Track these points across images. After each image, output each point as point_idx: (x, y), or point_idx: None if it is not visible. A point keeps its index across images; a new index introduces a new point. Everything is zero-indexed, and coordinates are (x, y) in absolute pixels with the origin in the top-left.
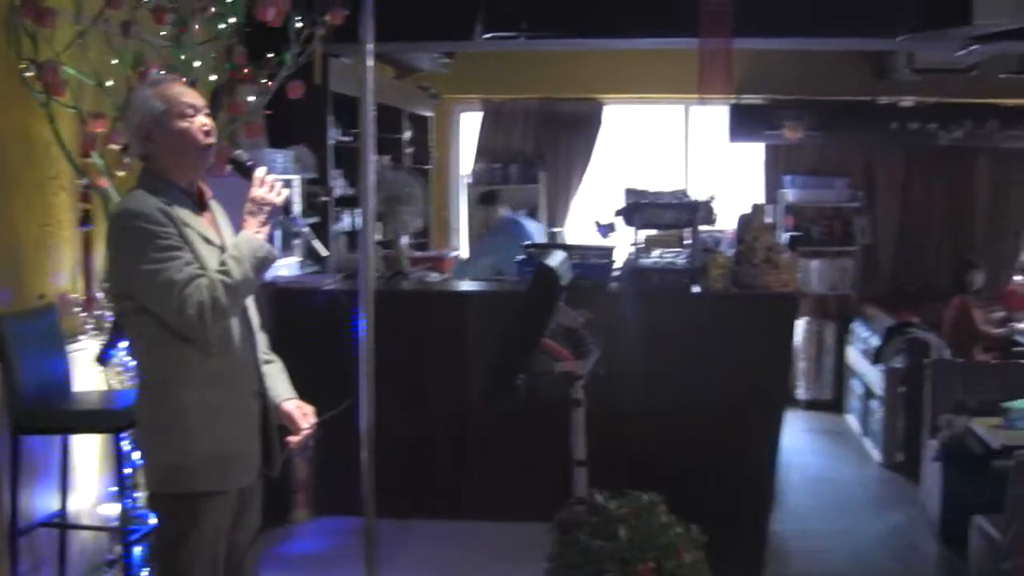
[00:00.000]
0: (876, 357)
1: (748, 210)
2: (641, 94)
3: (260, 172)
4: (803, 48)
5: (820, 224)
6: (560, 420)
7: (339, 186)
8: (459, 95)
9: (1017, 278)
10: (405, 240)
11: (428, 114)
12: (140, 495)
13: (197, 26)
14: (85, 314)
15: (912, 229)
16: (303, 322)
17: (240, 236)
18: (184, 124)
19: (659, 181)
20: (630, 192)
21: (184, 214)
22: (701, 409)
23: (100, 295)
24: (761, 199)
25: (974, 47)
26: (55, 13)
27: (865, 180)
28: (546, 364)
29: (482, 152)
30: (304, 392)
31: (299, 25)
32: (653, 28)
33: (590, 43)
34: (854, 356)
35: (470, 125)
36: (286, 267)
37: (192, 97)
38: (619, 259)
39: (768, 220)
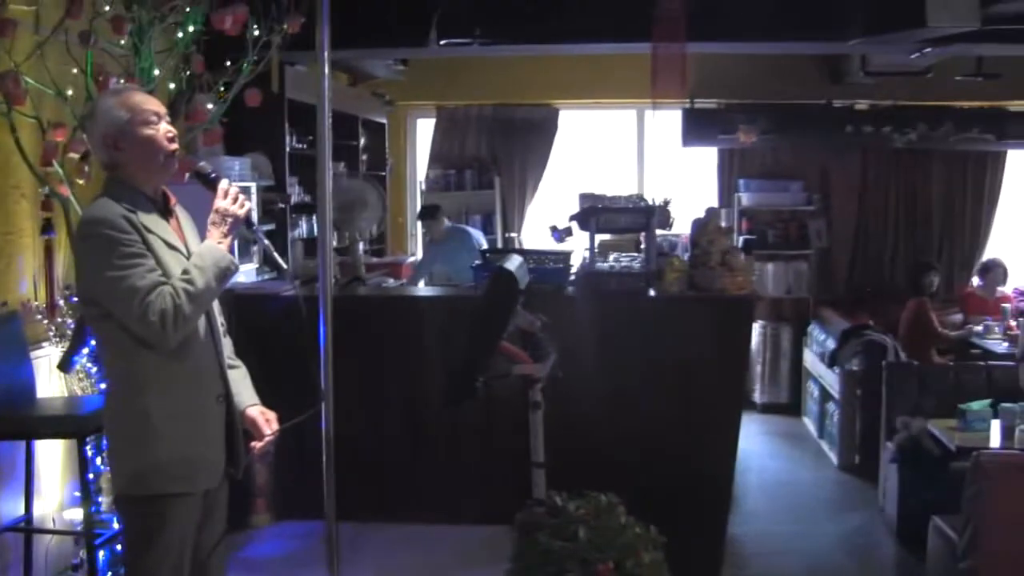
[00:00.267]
0: (832, 360)
1: (703, 214)
2: (595, 99)
3: (224, 184)
4: (757, 52)
5: (775, 228)
6: (519, 423)
7: (295, 193)
8: (414, 101)
9: (974, 281)
10: (362, 246)
11: (383, 121)
12: (105, 500)
13: (155, 35)
14: (47, 321)
15: (868, 232)
16: (261, 328)
17: (204, 246)
18: (149, 131)
19: (614, 186)
20: (585, 197)
21: (149, 220)
22: (658, 411)
23: (62, 302)
24: (715, 203)
25: (928, 49)
26: (15, 23)
27: (820, 183)
28: (504, 367)
29: (436, 158)
30: (264, 397)
31: (256, 34)
32: (607, 34)
33: (544, 49)
34: (811, 359)
35: (425, 131)
36: (244, 274)
37: (155, 105)
38: (575, 263)
39: (723, 224)
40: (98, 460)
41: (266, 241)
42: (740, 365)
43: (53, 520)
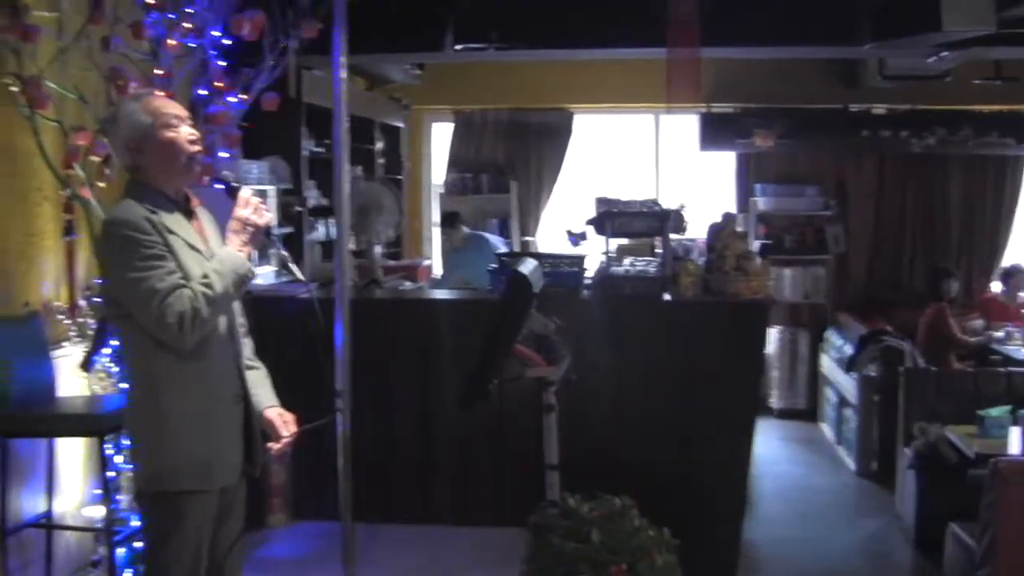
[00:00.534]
0: (850, 366)
1: (719, 219)
2: (611, 103)
3: (245, 193)
4: (774, 57)
5: (792, 233)
6: (534, 426)
7: (313, 196)
8: (430, 106)
9: (996, 286)
10: (379, 249)
11: (400, 125)
12: (124, 497)
13: (174, 41)
14: (69, 321)
15: (885, 237)
16: (279, 329)
17: (223, 251)
18: (171, 134)
19: (630, 190)
20: (601, 201)
21: (171, 221)
22: (673, 415)
23: (83, 303)
24: (733, 208)
25: (944, 53)
26: (38, 30)
27: (837, 188)
28: (518, 369)
29: (454, 162)
30: (281, 398)
31: (274, 39)
32: (621, 39)
33: (560, 54)
34: (828, 365)
35: (442, 135)
36: (262, 276)
37: (176, 108)
38: (591, 268)
39: (740, 229)
40: (117, 458)
41: (284, 252)
42: (755, 369)
43: (73, 517)
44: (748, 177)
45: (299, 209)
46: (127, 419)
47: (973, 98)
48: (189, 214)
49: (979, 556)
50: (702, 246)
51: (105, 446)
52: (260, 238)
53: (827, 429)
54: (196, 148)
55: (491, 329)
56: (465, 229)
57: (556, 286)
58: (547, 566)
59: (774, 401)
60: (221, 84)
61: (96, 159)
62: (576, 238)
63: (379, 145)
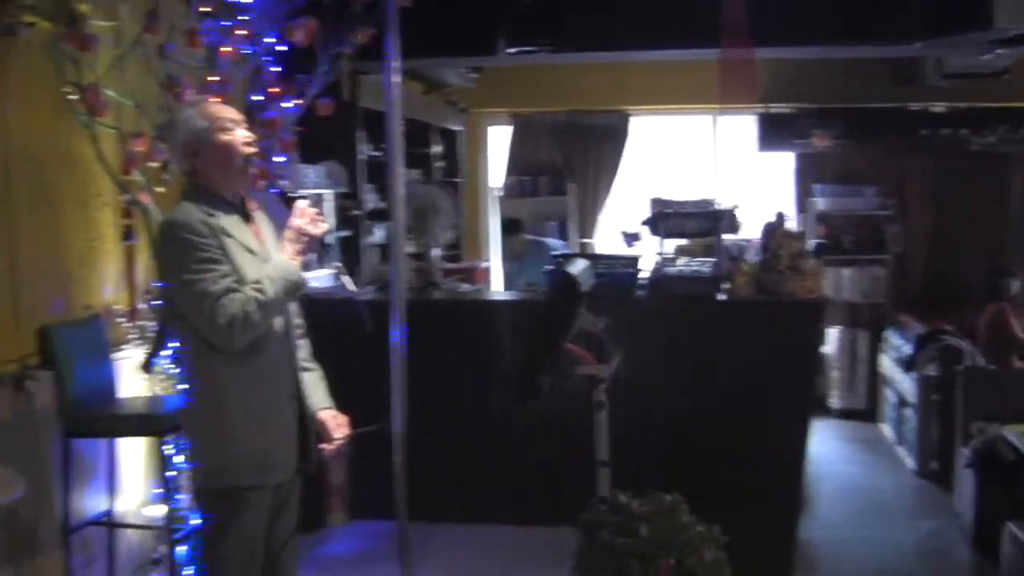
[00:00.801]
0: (909, 365)
1: (772, 218)
2: (668, 105)
3: (302, 204)
4: (830, 56)
5: (850, 232)
6: (587, 423)
7: (371, 200)
8: (487, 109)
9: None
10: (437, 252)
11: (458, 128)
12: (184, 496)
13: (229, 48)
14: (129, 324)
15: (944, 236)
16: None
17: (278, 259)
18: (227, 137)
19: (688, 191)
20: (655, 202)
21: (228, 223)
22: (726, 414)
23: (143, 306)
24: (792, 208)
25: (1000, 51)
26: (96, 39)
27: (896, 187)
28: (569, 368)
29: (512, 165)
30: (337, 399)
31: (327, 45)
32: (673, 40)
33: (611, 56)
34: (887, 364)
35: (499, 138)
36: (318, 279)
37: (231, 112)
38: (646, 268)
39: (798, 228)
40: (177, 458)
41: (339, 264)
42: (809, 368)
43: (135, 515)
44: (807, 177)
45: (356, 212)
46: (185, 417)
47: None
48: (246, 217)
49: None
50: (757, 246)
51: (165, 446)
52: (315, 248)
53: (887, 429)
54: (251, 150)
55: (539, 328)
56: (527, 236)
57: (611, 286)
58: (596, 562)
59: (834, 401)
60: (276, 89)
61: (154, 165)
62: (630, 238)
63: (437, 149)
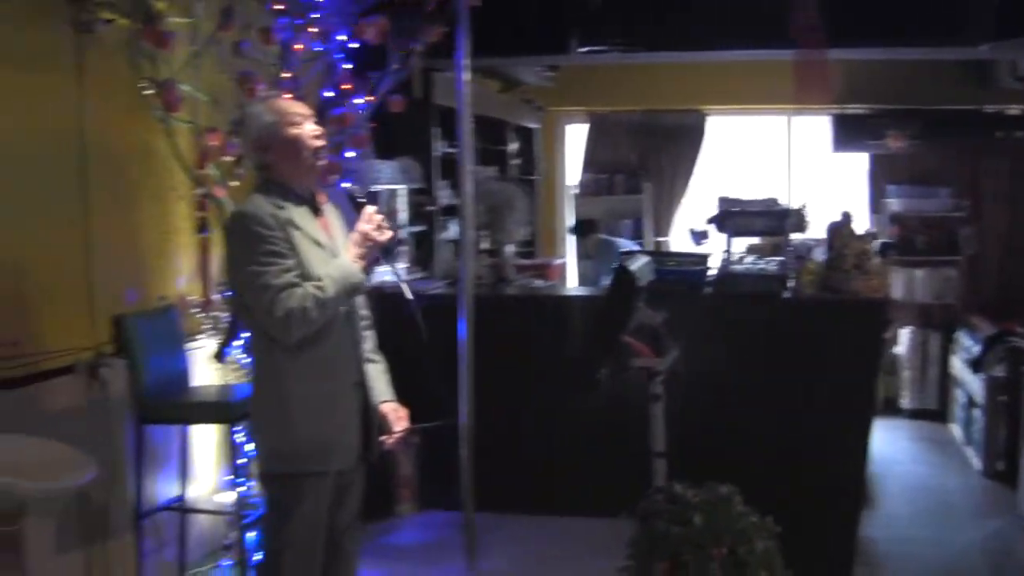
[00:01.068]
0: (976, 366)
1: (839, 217)
2: (744, 104)
3: (370, 209)
4: (904, 57)
5: (924, 233)
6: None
7: (445, 196)
8: (564, 107)
9: None
10: (511, 248)
11: (534, 126)
12: (254, 483)
13: (301, 45)
14: (203, 314)
15: (1018, 238)
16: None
17: (341, 259)
18: (296, 131)
19: (762, 190)
20: (722, 200)
21: (297, 215)
22: (788, 411)
23: (216, 297)
24: (865, 209)
25: None
26: (172, 35)
27: (970, 189)
28: (628, 360)
29: (588, 163)
30: (406, 391)
31: (398, 43)
32: (746, 40)
33: (685, 56)
34: (958, 365)
35: (576, 136)
36: (391, 273)
37: (300, 107)
38: (714, 265)
39: (871, 228)
40: (248, 445)
41: (400, 272)
42: (872, 367)
43: (206, 501)
44: (880, 178)
45: (431, 208)
46: (251, 403)
47: None
48: (316, 210)
49: None
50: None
51: (236, 433)
52: (378, 253)
53: (956, 430)
54: (320, 143)
55: (598, 321)
56: (598, 236)
57: (681, 283)
58: (650, 549)
59: (905, 401)
60: (347, 86)
61: (228, 159)
62: (698, 237)
63: (513, 146)
